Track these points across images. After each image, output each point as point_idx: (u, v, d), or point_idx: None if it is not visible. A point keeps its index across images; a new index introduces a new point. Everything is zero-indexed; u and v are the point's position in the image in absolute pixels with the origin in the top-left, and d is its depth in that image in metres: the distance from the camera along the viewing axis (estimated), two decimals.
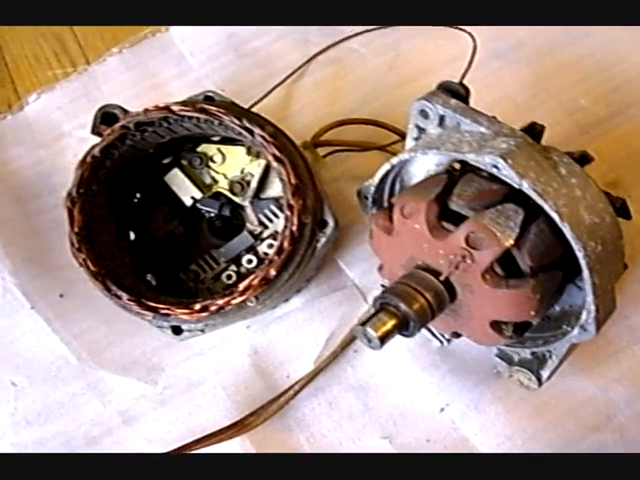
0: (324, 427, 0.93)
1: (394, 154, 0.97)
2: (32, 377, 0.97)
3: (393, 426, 0.93)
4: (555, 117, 1.04)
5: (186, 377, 0.96)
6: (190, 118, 0.82)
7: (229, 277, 0.92)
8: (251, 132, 0.80)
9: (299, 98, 1.08)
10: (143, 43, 1.12)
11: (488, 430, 0.91)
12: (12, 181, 1.06)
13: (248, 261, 0.92)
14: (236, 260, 0.93)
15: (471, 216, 0.74)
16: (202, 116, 0.81)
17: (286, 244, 0.80)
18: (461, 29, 1.04)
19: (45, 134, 1.09)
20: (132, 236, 0.95)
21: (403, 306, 0.75)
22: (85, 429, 0.95)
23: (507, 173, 0.70)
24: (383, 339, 0.74)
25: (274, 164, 0.80)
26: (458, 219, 0.75)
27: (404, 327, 0.76)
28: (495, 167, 0.71)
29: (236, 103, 0.84)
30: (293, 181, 0.80)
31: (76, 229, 0.83)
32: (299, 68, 1.08)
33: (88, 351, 0.97)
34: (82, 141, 1.06)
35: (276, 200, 0.93)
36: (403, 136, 0.98)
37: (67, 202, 0.84)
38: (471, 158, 0.73)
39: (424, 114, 0.80)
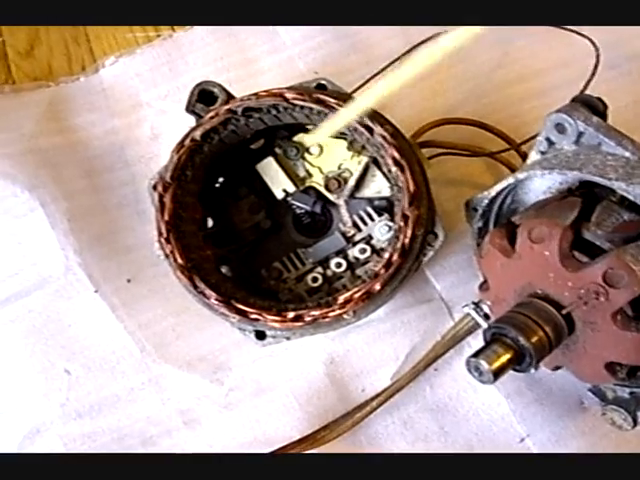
0: (396, 448, 0.87)
1: (502, 163, 0.92)
2: (88, 366, 0.89)
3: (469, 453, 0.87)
4: None
5: (255, 380, 0.89)
6: (302, 108, 0.75)
7: (315, 280, 0.85)
8: (371, 130, 0.73)
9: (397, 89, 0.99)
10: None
11: None
12: (82, 150, 0.97)
13: (337, 265, 0.85)
14: (324, 262, 0.86)
15: (609, 250, 0.68)
16: (317, 107, 0.74)
17: (395, 257, 0.73)
18: (579, 33, 0.96)
19: (121, 102, 1.00)
20: (209, 223, 0.88)
21: (522, 339, 0.69)
22: (140, 427, 0.88)
23: None
24: (497, 374, 0.68)
25: (392, 168, 0.73)
26: (589, 249, 0.69)
27: (519, 361, 0.70)
28: None
29: (351, 95, 0.76)
30: (412, 189, 0.72)
31: (166, 217, 0.76)
32: (400, 57, 0.99)
33: (153, 343, 0.90)
34: (161, 114, 0.99)
35: (370, 201, 0.85)
36: (511, 144, 0.91)
37: (159, 187, 0.76)
38: (620, 187, 0.66)
39: (561, 128, 0.73)
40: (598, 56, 0.91)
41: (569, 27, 0.98)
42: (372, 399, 0.87)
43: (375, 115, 0.75)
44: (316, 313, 0.74)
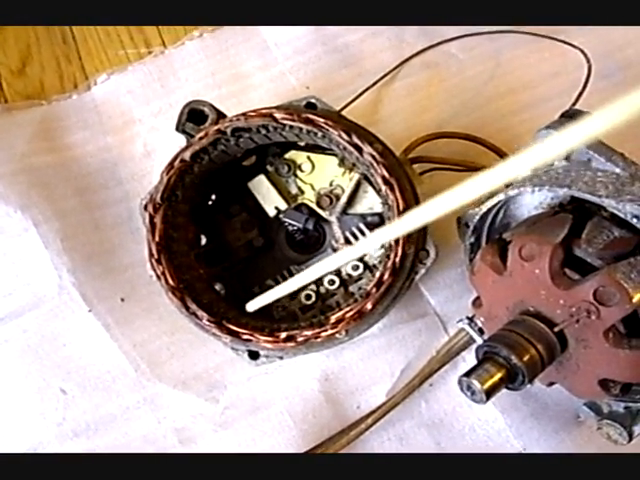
0: None
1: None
2: (84, 386, 0.89)
3: None
4: None
5: (250, 398, 0.89)
6: (292, 127, 0.75)
7: (308, 297, 0.84)
8: (360, 150, 0.72)
9: (389, 103, 0.99)
10: (226, 29, 1.03)
11: None
12: (75, 168, 0.96)
13: (330, 282, 0.84)
14: (317, 279, 0.85)
15: (601, 267, 0.67)
16: (306, 127, 0.73)
17: (386, 276, 0.73)
18: (570, 44, 0.96)
19: (113, 119, 0.99)
20: (203, 241, 0.88)
21: (514, 358, 0.68)
22: (136, 446, 0.87)
23: None
24: (489, 393, 0.68)
25: (382, 187, 0.72)
26: (580, 266, 0.69)
27: (511, 380, 0.70)
28: (636, 217, 0.64)
29: (342, 114, 0.76)
30: (401, 207, 0.72)
31: (157, 238, 0.76)
32: (391, 70, 0.99)
33: (147, 362, 0.89)
34: (153, 130, 0.99)
35: (362, 217, 0.85)
36: (504, 158, 0.91)
37: (150, 208, 0.76)
38: (609, 204, 0.65)
39: None
40: (590, 67, 0.91)
41: (560, 38, 0.98)
42: (367, 416, 0.87)
43: (364, 133, 0.75)
44: (308, 333, 0.74)
